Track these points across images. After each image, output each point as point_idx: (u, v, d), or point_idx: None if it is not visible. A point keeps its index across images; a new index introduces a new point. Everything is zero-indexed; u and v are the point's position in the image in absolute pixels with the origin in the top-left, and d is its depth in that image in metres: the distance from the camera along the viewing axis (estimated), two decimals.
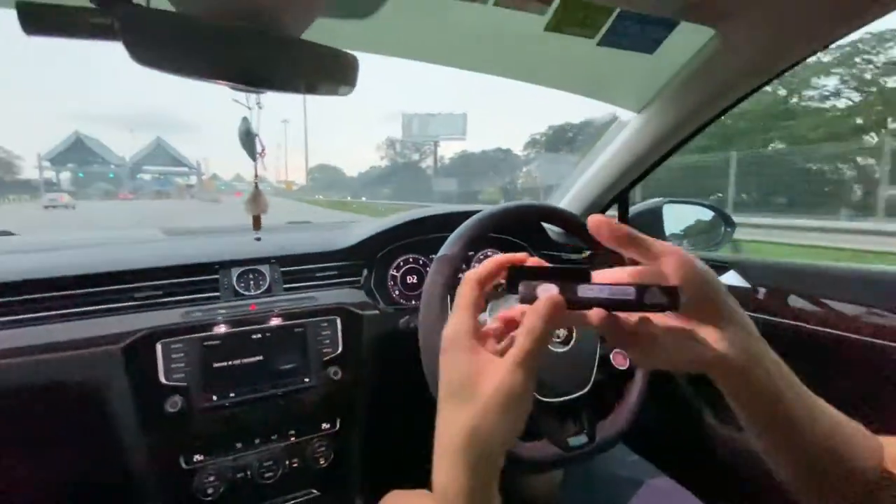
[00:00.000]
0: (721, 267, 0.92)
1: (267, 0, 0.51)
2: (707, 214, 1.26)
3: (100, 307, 0.73)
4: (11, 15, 0.46)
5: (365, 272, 0.94)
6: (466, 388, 0.31)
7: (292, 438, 0.80)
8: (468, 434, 0.29)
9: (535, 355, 0.30)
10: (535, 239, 1.10)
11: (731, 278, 0.91)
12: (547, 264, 0.35)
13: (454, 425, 0.30)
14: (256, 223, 0.68)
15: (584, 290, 0.30)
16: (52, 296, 0.71)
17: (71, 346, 0.66)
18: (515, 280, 0.33)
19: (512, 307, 0.36)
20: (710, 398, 0.94)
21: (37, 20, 0.47)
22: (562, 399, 0.67)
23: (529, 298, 0.31)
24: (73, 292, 0.72)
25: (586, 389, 0.69)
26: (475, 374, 0.31)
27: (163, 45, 0.48)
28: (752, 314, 0.84)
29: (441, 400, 0.32)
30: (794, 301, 0.80)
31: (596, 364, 0.70)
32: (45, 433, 0.69)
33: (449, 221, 0.83)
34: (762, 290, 0.86)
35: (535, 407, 0.66)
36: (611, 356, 0.73)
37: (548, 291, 0.31)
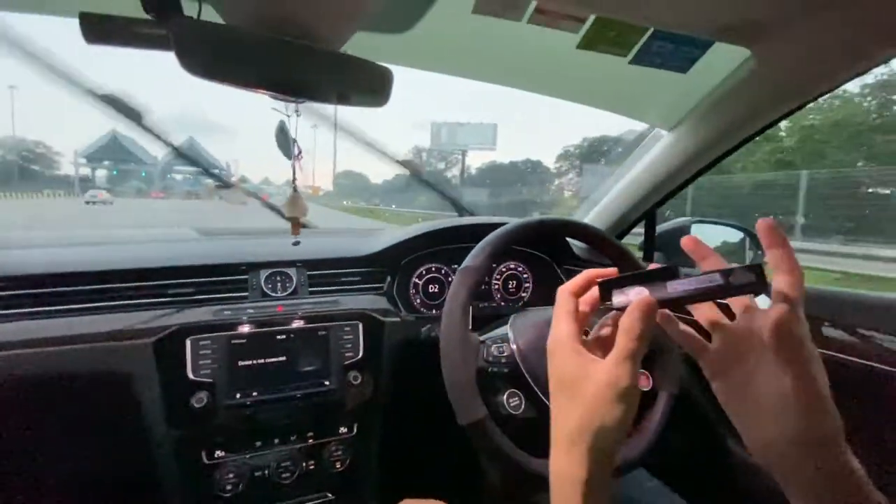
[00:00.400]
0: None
1: (310, 15, 0.53)
2: (737, 236, 1.24)
3: (134, 301, 0.76)
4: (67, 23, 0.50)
5: (388, 279, 0.95)
6: (574, 386, 0.34)
7: (310, 440, 0.81)
8: (579, 428, 0.32)
9: (635, 353, 0.32)
10: (559, 253, 1.09)
11: (762, 302, 0.88)
12: (634, 272, 0.36)
13: (567, 420, 0.34)
14: (295, 227, 0.70)
15: (672, 287, 0.33)
16: (90, 289, 0.75)
17: (105, 337, 0.69)
18: (608, 290, 0.36)
19: (604, 324, 0.40)
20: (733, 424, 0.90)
21: (97, 30, 0.50)
22: None
23: (625, 304, 0.34)
24: (110, 286, 0.76)
25: None
26: (581, 373, 0.33)
27: (211, 56, 0.50)
28: None
29: (553, 397, 0.36)
30: (830, 332, 0.77)
31: None
32: (76, 421, 0.71)
33: (473, 232, 0.83)
34: None
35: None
36: None
37: (639, 294, 0.34)
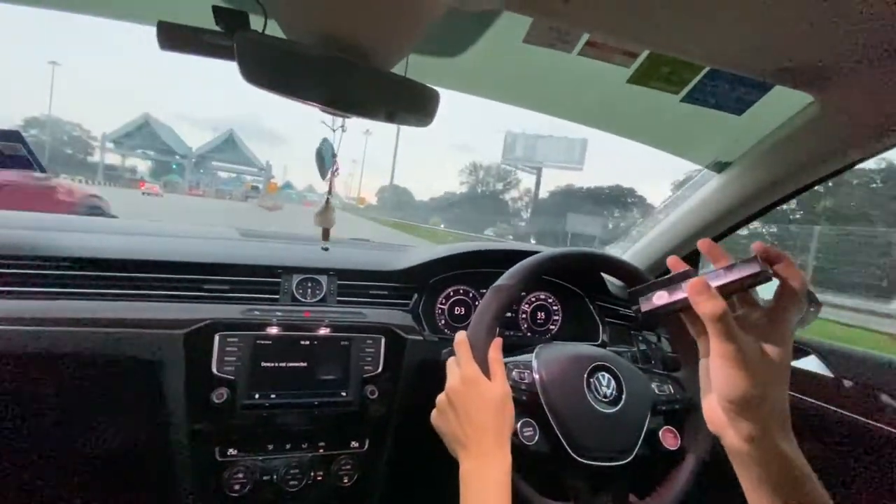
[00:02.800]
0: (800, 350, 0.84)
1: (368, 36, 0.55)
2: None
3: (171, 293, 0.79)
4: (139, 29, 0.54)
5: (415, 297, 0.95)
6: None
7: (321, 450, 0.81)
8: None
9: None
10: (593, 288, 1.06)
11: (811, 364, 0.82)
12: (656, 279, 0.42)
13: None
14: (325, 234, 0.72)
15: (710, 279, 0.37)
16: (130, 276, 0.78)
17: (139, 324, 0.72)
18: (635, 299, 0.42)
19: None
20: None
21: (172, 38, 0.54)
22: (598, 464, 0.62)
23: (651, 307, 0.41)
24: (148, 275, 0.79)
25: (627, 461, 0.63)
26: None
27: (270, 69, 0.53)
28: (832, 408, 0.75)
29: None
30: (887, 400, 0.71)
31: (642, 436, 0.65)
32: (99, 402, 0.74)
33: (504, 258, 0.82)
34: (847, 384, 0.77)
35: (567, 464, 0.62)
36: (660, 433, 0.67)
37: (661, 298, 0.40)
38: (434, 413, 0.60)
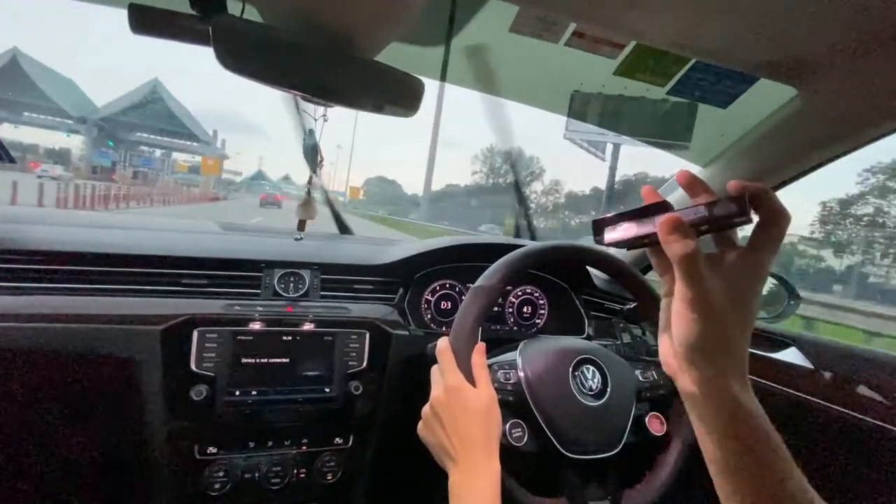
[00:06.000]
0: (781, 342, 0.85)
1: (348, 22, 0.53)
2: (768, 282, 1.18)
3: (147, 287, 0.77)
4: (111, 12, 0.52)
5: (400, 291, 0.94)
6: None
7: (304, 447, 0.79)
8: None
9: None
10: (578, 281, 1.06)
11: (792, 356, 0.83)
12: (627, 209, 0.37)
13: None
14: (301, 226, 0.70)
15: (686, 215, 0.32)
16: (103, 270, 0.76)
17: (114, 320, 0.70)
18: (600, 229, 0.37)
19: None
20: None
21: (144, 21, 0.52)
22: (588, 457, 0.62)
23: (616, 240, 0.36)
24: (123, 269, 0.77)
25: (615, 451, 0.64)
26: None
27: (248, 54, 0.51)
28: (812, 399, 0.77)
29: None
30: (865, 392, 0.72)
31: (629, 425, 0.65)
32: (74, 401, 0.71)
33: (491, 252, 0.82)
34: (826, 374, 0.78)
35: (557, 461, 0.62)
36: (646, 420, 0.67)
37: (628, 230, 0.36)
38: (420, 425, 0.59)
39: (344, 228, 1.21)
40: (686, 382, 0.36)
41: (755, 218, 0.33)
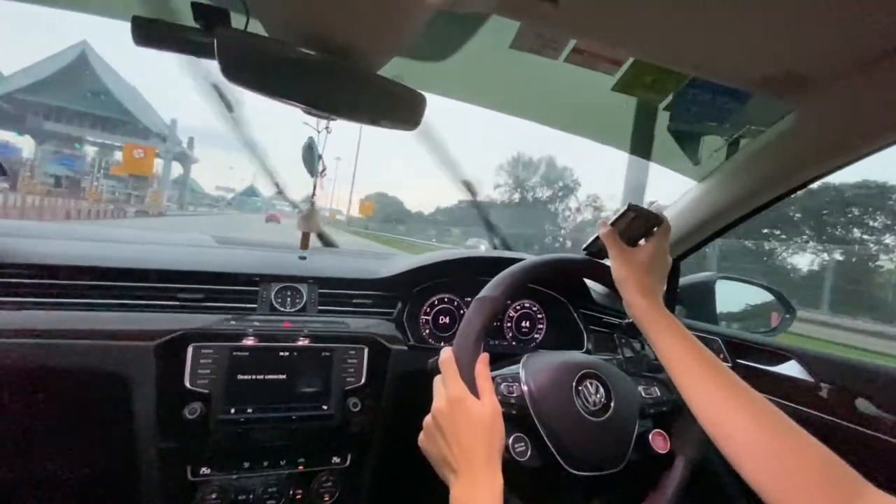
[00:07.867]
0: (781, 356, 0.85)
1: (352, 37, 0.54)
2: (764, 296, 1.19)
3: (141, 302, 0.75)
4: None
5: (399, 305, 0.93)
6: None
7: (300, 468, 0.77)
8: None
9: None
10: (577, 295, 1.06)
11: (792, 369, 0.83)
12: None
13: None
14: (304, 241, 0.69)
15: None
16: (98, 284, 0.74)
17: (108, 335, 0.68)
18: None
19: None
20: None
21: (147, 33, 0.52)
22: (591, 474, 0.61)
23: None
24: (117, 284, 0.75)
25: (619, 468, 0.62)
26: None
27: (253, 67, 0.51)
28: (813, 412, 0.76)
29: None
30: (865, 406, 0.72)
31: (633, 442, 0.64)
32: (64, 418, 0.69)
33: (490, 266, 0.81)
34: (826, 388, 0.78)
35: (560, 477, 0.60)
36: (650, 437, 0.66)
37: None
38: (421, 436, 0.57)
39: (328, 243, 1.20)
40: (635, 309, 0.61)
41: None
